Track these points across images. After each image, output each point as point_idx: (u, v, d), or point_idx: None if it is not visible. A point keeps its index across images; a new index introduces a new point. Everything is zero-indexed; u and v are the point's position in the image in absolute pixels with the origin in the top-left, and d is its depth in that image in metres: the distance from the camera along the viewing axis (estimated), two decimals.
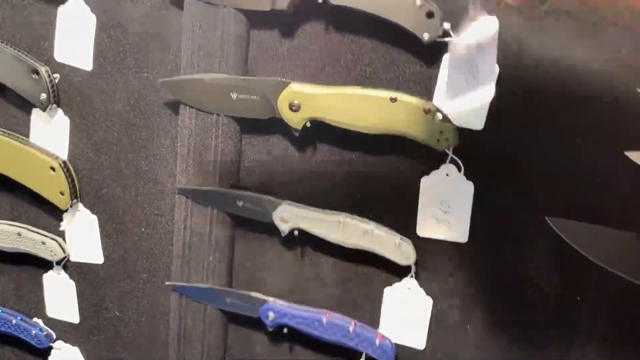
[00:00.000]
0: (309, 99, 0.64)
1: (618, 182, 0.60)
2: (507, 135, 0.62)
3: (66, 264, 0.84)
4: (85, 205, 0.81)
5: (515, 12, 0.59)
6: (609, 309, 0.63)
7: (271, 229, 0.71)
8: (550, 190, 0.62)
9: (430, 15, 0.58)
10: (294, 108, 0.65)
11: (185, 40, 0.68)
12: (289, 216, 0.69)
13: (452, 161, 0.64)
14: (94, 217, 0.81)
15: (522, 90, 0.61)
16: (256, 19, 0.66)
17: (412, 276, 0.69)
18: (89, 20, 0.73)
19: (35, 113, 0.79)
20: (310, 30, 0.66)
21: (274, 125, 0.69)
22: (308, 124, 0.65)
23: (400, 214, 0.68)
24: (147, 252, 0.80)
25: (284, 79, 0.65)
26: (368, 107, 0.62)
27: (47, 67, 0.75)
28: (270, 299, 0.73)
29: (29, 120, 0.80)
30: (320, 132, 0.66)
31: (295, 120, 0.66)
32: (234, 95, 0.67)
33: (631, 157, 0.54)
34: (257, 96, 0.67)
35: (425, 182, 0.66)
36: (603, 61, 0.57)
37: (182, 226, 0.75)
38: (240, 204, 0.72)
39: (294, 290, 0.75)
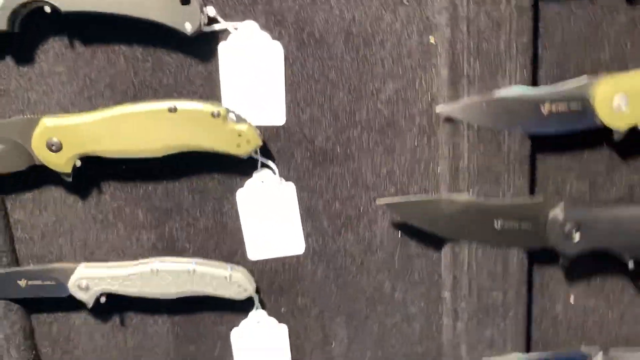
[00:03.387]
0: (70, 133, 0.51)
1: None
2: (311, 123, 0.54)
3: None
4: None
5: None
6: None
7: (73, 304, 0.57)
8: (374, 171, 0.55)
9: (185, 1, 0.48)
10: (53, 148, 0.51)
11: None
12: (89, 281, 0.55)
13: (263, 165, 0.55)
14: None
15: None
16: None
17: (257, 308, 0.58)
18: None
19: None
20: (51, 51, 0.53)
21: (41, 175, 0.55)
22: (78, 163, 0.52)
23: (223, 241, 0.58)
24: None
25: (32, 115, 0.51)
26: (144, 125, 0.51)
27: None
28: None
29: None
30: (97, 168, 0.53)
31: (60, 163, 0.52)
32: None
33: None
34: (5, 145, 0.52)
35: (241, 196, 0.56)
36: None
37: None
38: (22, 283, 0.56)
39: None
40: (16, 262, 0.57)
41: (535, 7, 0.49)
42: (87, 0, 0.48)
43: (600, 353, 0.56)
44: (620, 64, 0.52)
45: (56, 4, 0.48)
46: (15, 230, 0.57)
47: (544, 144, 0.53)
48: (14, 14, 0.49)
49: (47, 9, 0.49)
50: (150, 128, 0.51)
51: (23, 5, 0.48)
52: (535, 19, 0.50)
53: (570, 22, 0.51)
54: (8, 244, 0.57)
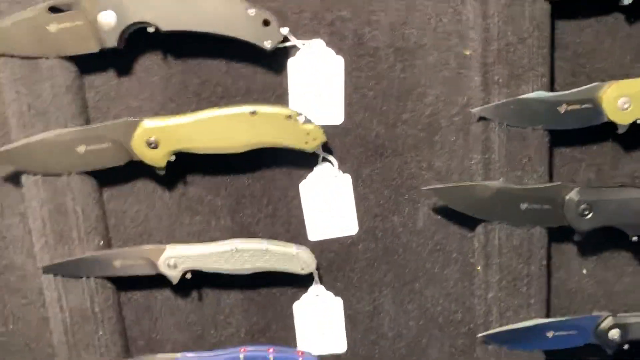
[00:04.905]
0: (167, 132, 0.61)
1: None
2: (365, 123, 0.64)
3: None
4: None
5: None
6: None
7: (158, 281, 0.66)
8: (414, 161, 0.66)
9: (266, 23, 0.59)
10: (152, 145, 0.61)
11: (11, 102, 0.61)
12: (177, 260, 0.65)
13: (324, 160, 0.65)
14: None
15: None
16: (86, 64, 0.62)
17: (317, 282, 0.68)
18: None
19: None
20: (148, 63, 0.63)
21: (134, 169, 0.64)
22: (172, 158, 0.62)
23: (287, 225, 0.67)
24: (21, 349, 0.70)
25: (134, 118, 0.61)
26: (229, 126, 0.61)
27: None
28: (178, 355, 0.67)
29: None
30: (184, 163, 0.63)
31: (157, 158, 0.62)
32: (81, 149, 0.62)
33: None
34: (108, 143, 0.62)
35: (304, 186, 0.66)
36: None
37: (57, 308, 0.66)
38: (117, 264, 0.65)
39: (199, 337, 0.70)
40: (109, 245, 0.67)
41: (553, 26, 0.60)
42: (184, 21, 0.58)
43: (610, 317, 0.66)
44: (621, 73, 0.62)
45: (159, 25, 0.58)
46: (108, 217, 0.67)
47: (561, 138, 0.63)
48: (122, 33, 0.59)
49: (151, 29, 0.59)
50: (234, 128, 0.61)
51: (131, 25, 0.58)
52: (552, 35, 0.60)
53: (580, 38, 0.62)
54: (104, 230, 0.66)
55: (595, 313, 0.67)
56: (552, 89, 0.62)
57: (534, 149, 0.62)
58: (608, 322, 0.66)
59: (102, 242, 0.66)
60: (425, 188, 0.64)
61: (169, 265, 0.65)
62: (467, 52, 0.62)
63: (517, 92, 0.61)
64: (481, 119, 0.62)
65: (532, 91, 0.61)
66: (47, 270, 0.65)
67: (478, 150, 0.63)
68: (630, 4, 0.58)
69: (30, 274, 0.68)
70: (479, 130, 0.63)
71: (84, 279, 0.65)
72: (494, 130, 0.62)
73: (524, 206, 0.63)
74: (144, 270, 0.66)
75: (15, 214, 0.67)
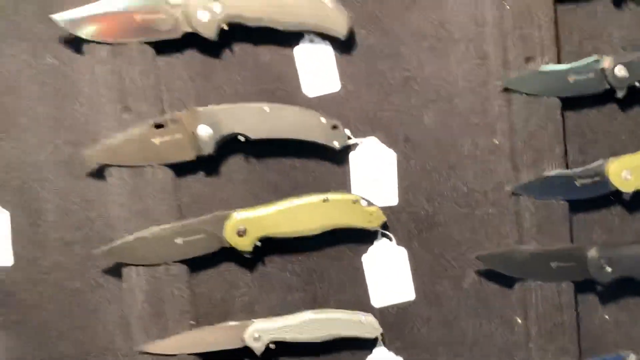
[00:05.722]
0: (254, 222, 0.71)
1: None
2: (415, 203, 0.77)
3: None
4: None
5: None
6: None
7: (235, 355, 0.74)
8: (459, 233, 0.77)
9: (335, 127, 0.71)
10: (241, 234, 0.71)
11: (113, 207, 0.71)
12: (262, 333, 0.73)
13: (382, 235, 0.76)
14: None
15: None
16: (181, 168, 0.72)
17: (380, 345, 0.77)
18: None
19: None
20: (234, 165, 0.74)
21: (220, 255, 0.74)
22: (258, 243, 0.72)
23: (353, 294, 0.77)
24: None
25: (226, 212, 0.71)
26: (306, 213, 0.72)
27: None
28: None
29: None
30: (263, 247, 0.73)
31: (245, 244, 0.72)
32: (179, 241, 0.71)
33: None
34: (203, 234, 0.72)
35: (366, 259, 0.77)
36: None
37: None
38: (208, 340, 0.74)
39: None
40: (198, 324, 0.75)
41: (563, 116, 0.75)
42: (270, 130, 0.70)
43: (632, 354, 0.77)
44: (619, 149, 0.77)
45: (248, 134, 0.70)
46: (199, 299, 0.76)
47: (577, 206, 0.76)
48: (217, 143, 0.70)
49: (242, 138, 0.70)
50: (310, 214, 0.72)
51: (226, 136, 0.70)
52: (564, 124, 0.75)
53: (586, 124, 0.76)
54: (195, 310, 0.75)
55: (620, 352, 0.78)
56: (567, 167, 0.76)
57: (557, 217, 0.75)
58: (632, 359, 0.77)
59: (193, 322, 0.74)
60: (474, 255, 0.75)
61: (254, 338, 0.74)
62: (496, 141, 0.76)
63: (540, 170, 0.74)
64: (513, 194, 0.75)
65: (552, 169, 0.74)
66: (145, 351, 0.73)
67: (512, 220, 0.76)
68: (623, 96, 0.73)
69: (124, 355, 0.75)
70: (511, 204, 0.75)
71: (177, 356, 0.73)
72: (524, 204, 0.75)
73: (554, 265, 0.75)
74: (232, 344, 0.74)
75: (114, 301, 0.75)
